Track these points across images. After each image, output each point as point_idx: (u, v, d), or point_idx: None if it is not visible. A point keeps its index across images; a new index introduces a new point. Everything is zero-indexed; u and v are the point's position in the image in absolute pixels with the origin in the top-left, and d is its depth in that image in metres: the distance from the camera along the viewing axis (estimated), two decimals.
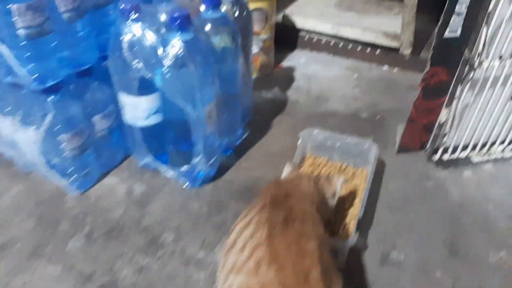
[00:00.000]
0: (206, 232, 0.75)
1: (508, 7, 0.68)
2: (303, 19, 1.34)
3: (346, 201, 0.78)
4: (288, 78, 1.23)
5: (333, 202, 0.65)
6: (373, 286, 0.66)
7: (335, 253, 0.65)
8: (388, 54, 1.26)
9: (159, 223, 0.77)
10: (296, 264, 0.40)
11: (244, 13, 0.85)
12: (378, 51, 1.27)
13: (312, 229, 0.46)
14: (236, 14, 0.83)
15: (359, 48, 1.30)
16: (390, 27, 1.25)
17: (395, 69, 1.26)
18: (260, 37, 1.15)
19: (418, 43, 1.22)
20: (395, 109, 1.08)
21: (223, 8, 0.80)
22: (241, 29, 0.83)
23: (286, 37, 1.37)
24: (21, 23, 0.60)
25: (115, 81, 0.74)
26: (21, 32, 0.61)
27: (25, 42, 0.62)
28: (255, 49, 1.16)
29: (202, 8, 0.74)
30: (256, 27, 1.12)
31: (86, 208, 0.80)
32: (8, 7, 0.59)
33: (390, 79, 1.22)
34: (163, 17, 0.69)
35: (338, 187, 0.66)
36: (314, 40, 1.35)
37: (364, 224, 0.76)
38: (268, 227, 0.43)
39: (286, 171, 0.68)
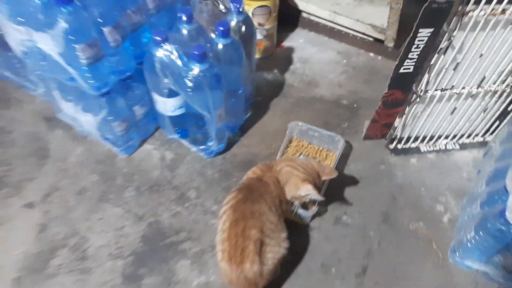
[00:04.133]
0: (217, 192, 1.08)
1: (444, 60, 0.93)
2: (305, 3, 1.53)
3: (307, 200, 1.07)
4: (287, 60, 1.46)
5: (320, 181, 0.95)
6: (326, 240, 1.01)
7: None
8: (376, 43, 1.49)
9: (185, 183, 1.09)
10: (242, 225, 0.79)
11: (249, 27, 1.07)
12: (367, 39, 1.50)
13: (261, 219, 0.82)
14: (243, 29, 1.06)
15: (352, 34, 1.51)
16: (379, 20, 1.46)
17: (380, 57, 1.50)
18: (265, 27, 1.37)
19: (400, 37, 1.45)
20: (371, 98, 1.33)
21: (233, 23, 1.03)
22: (246, 38, 1.07)
23: (290, 16, 1.57)
24: (83, 55, 0.84)
25: (149, 86, 1.01)
26: (84, 61, 0.85)
27: (87, 67, 0.86)
28: (259, 36, 1.38)
29: (214, 35, 0.97)
30: (261, 20, 1.34)
31: (132, 168, 1.11)
32: (74, 46, 0.82)
33: (374, 67, 1.46)
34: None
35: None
36: (314, 21, 1.56)
37: (328, 195, 1.08)
38: (232, 212, 0.83)
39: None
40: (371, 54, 1.51)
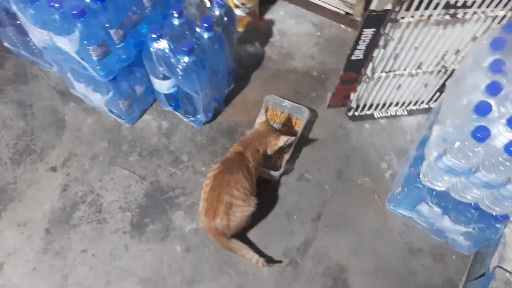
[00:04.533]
0: (205, 156, 1.33)
1: (385, 52, 1.13)
2: None
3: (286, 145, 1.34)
4: (267, 33, 1.64)
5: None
6: (291, 192, 1.28)
7: (271, 175, 1.26)
8: (347, 16, 1.65)
9: (179, 148, 1.34)
10: (218, 191, 1.05)
11: (230, 16, 1.25)
12: (339, 12, 1.66)
13: (234, 187, 1.07)
14: (225, 19, 1.24)
15: (326, 7, 1.67)
16: None
17: (349, 29, 1.67)
18: (247, 6, 1.53)
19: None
20: (338, 70, 1.51)
21: (216, 13, 1.21)
22: (227, 25, 1.25)
23: None
24: (94, 53, 1.04)
25: (147, 70, 1.22)
26: (95, 58, 1.05)
27: (97, 62, 1.07)
28: (242, 14, 1.55)
29: (199, 28, 1.15)
30: (243, 0, 1.50)
31: (135, 136, 1.36)
32: (87, 47, 1.03)
33: (343, 38, 1.64)
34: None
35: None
36: None
37: (295, 156, 1.34)
38: (213, 180, 1.08)
39: (259, 120, 1.24)
40: (342, 26, 1.68)
